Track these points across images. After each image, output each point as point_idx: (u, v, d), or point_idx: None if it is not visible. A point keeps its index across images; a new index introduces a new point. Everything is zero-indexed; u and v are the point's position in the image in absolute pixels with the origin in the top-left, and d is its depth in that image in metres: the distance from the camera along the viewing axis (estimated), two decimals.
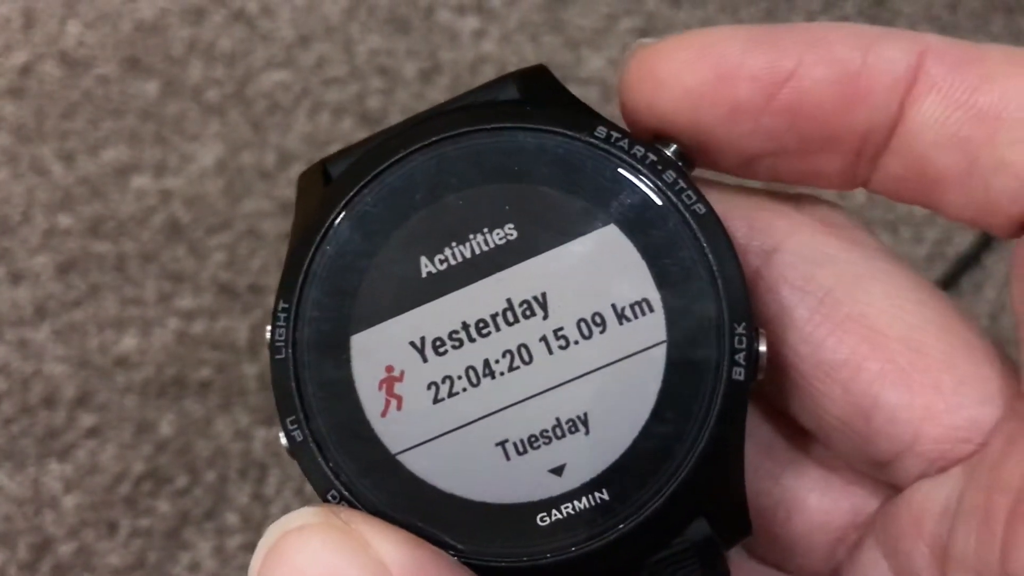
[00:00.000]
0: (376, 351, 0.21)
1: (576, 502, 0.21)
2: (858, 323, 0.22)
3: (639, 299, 0.21)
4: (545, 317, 0.21)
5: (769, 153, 0.22)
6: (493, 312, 0.21)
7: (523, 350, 0.21)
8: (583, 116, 0.22)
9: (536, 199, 0.21)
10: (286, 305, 0.21)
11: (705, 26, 0.54)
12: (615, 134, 0.21)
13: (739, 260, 0.21)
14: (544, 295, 0.21)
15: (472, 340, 0.21)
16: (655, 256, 0.21)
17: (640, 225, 0.21)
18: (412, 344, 0.21)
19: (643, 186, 0.21)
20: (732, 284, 0.21)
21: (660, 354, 0.21)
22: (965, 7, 0.55)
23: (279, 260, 0.50)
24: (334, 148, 0.51)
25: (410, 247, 0.21)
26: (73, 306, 0.50)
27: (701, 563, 0.21)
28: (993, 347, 0.22)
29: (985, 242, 0.51)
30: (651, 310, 0.21)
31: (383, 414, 0.21)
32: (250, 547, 0.47)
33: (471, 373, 0.21)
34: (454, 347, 0.21)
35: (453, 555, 0.20)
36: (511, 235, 0.21)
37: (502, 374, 0.21)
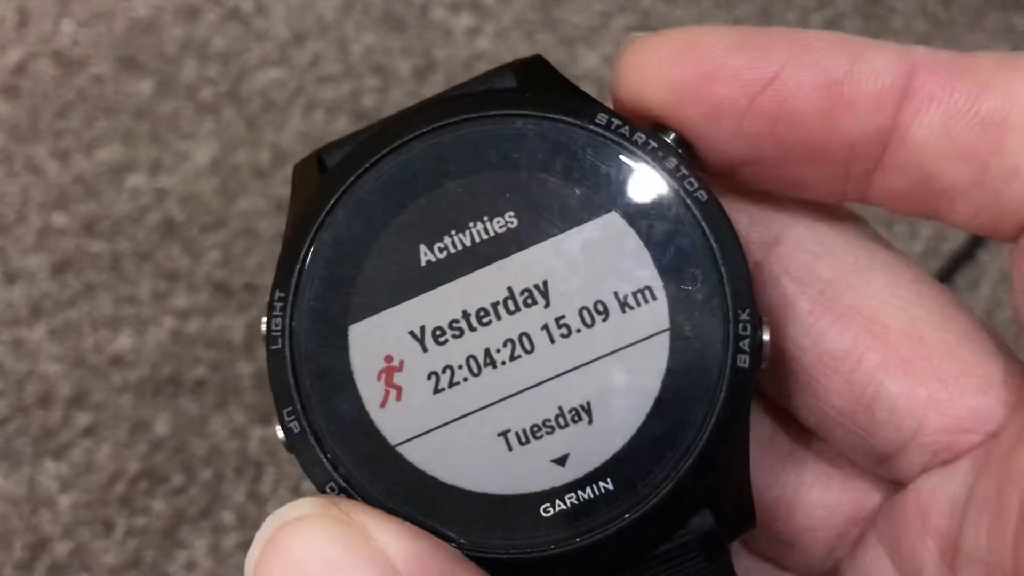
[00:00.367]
0: (375, 341, 0.21)
1: (580, 492, 0.20)
2: (860, 314, 0.22)
3: (641, 287, 0.21)
4: (547, 305, 0.21)
5: (751, 160, 0.22)
6: (494, 301, 0.21)
7: (525, 339, 0.21)
8: (583, 103, 0.22)
9: (536, 186, 0.21)
10: (282, 295, 0.21)
11: (700, 23, 0.54)
12: (616, 121, 0.21)
13: (742, 247, 0.21)
14: (545, 283, 0.21)
15: (473, 329, 0.21)
16: (657, 243, 0.21)
17: (642, 212, 0.21)
18: (412, 334, 0.21)
19: (644, 173, 0.21)
20: (735, 271, 0.21)
21: (663, 342, 0.21)
22: (960, 3, 0.55)
23: (274, 258, 0.50)
24: None
25: (409, 235, 0.21)
26: (68, 305, 0.49)
27: (705, 555, 0.21)
28: (992, 339, 0.22)
29: (980, 239, 0.51)
30: (654, 298, 0.21)
31: (382, 405, 0.20)
32: (246, 545, 0.47)
33: (472, 362, 0.21)
34: (455, 336, 0.21)
35: (455, 548, 0.20)
36: (511, 223, 0.21)
37: (503, 363, 0.21)
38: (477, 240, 0.21)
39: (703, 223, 0.21)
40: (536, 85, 0.22)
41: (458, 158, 0.21)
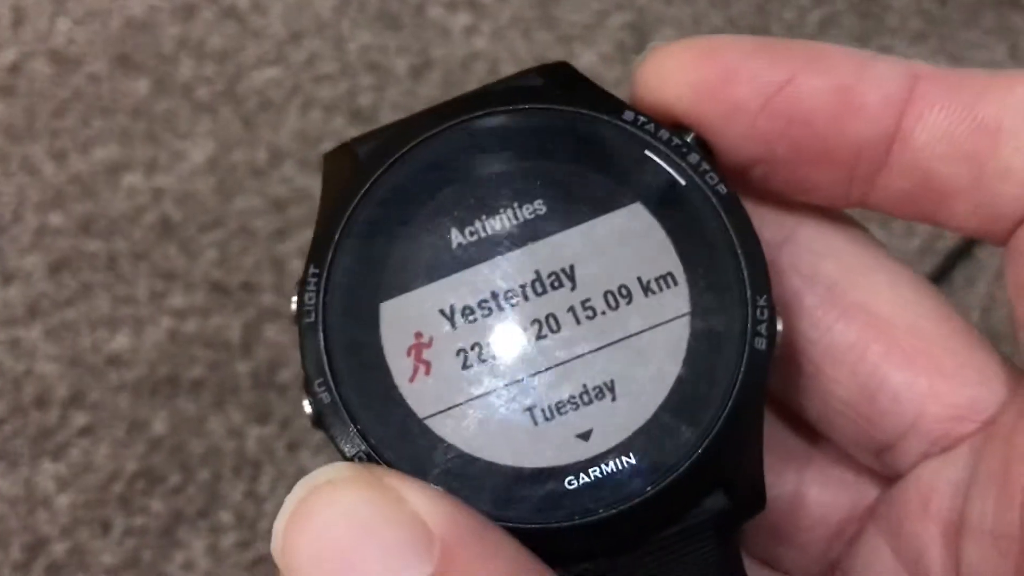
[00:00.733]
0: (405, 318, 0.21)
1: (604, 465, 0.21)
2: (864, 310, 0.23)
3: (664, 273, 0.22)
4: (573, 288, 0.21)
5: (764, 159, 0.23)
6: (522, 283, 0.21)
7: (551, 319, 0.21)
8: (610, 101, 0.23)
9: (565, 176, 0.22)
10: (316, 270, 0.21)
11: (696, 20, 0.54)
12: (642, 118, 0.22)
13: (759, 237, 0.22)
14: (572, 267, 0.22)
15: (501, 309, 0.21)
16: (679, 232, 0.22)
17: (665, 203, 0.22)
18: (441, 312, 0.21)
19: (668, 166, 0.22)
20: (753, 259, 0.22)
21: (684, 325, 0.21)
22: (955, 1, 0.55)
23: (271, 258, 0.50)
24: (326, 145, 0.51)
25: (441, 219, 0.22)
26: (65, 305, 0.49)
27: (717, 536, 0.21)
28: (985, 338, 0.24)
29: None
30: (675, 283, 0.22)
31: (411, 379, 0.21)
32: (244, 545, 0.47)
33: (500, 341, 0.21)
34: (483, 315, 0.21)
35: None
36: (540, 210, 0.22)
37: (530, 342, 0.21)
38: (507, 225, 0.22)
39: (723, 215, 0.22)
40: (563, 85, 0.23)
41: (489, 147, 0.22)
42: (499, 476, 0.21)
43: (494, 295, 0.21)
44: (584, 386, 0.21)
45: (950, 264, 0.51)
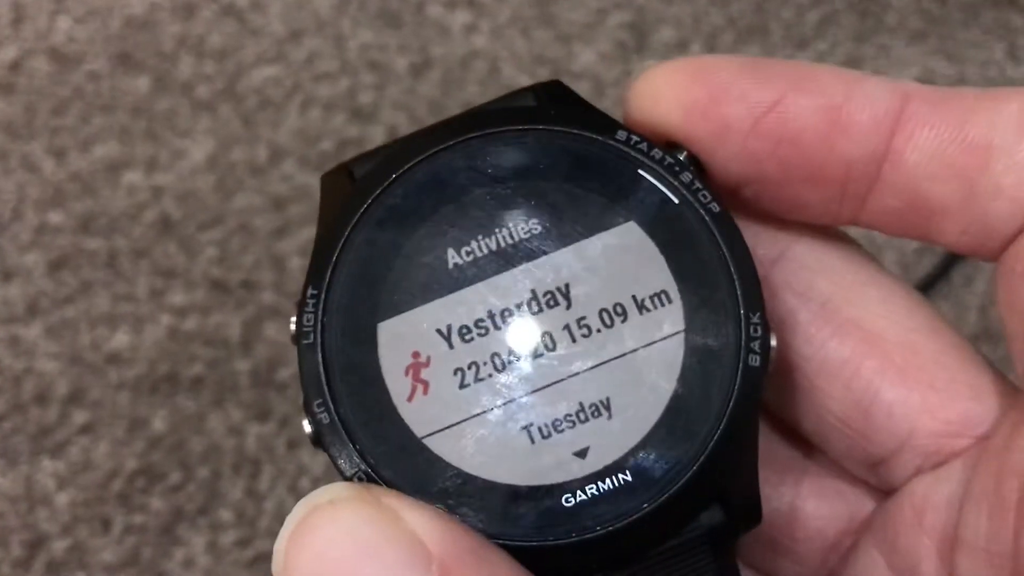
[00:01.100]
0: (403, 338, 0.21)
1: (600, 483, 0.21)
2: (858, 326, 0.23)
3: (658, 291, 0.22)
4: (568, 307, 0.22)
5: (755, 179, 0.23)
6: (518, 302, 0.22)
7: (547, 338, 0.22)
8: (603, 120, 0.23)
9: (560, 196, 0.22)
10: (315, 291, 0.22)
11: (696, 19, 0.54)
12: (635, 137, 0.22)
13: (752, 255, 0.22)
14: (567, 286, 0.22)
15: (498, 328, 0.22)
16: (673, 251, 0.22)
17: (659, 222, 0.22)
18: (438, 331, 0.22)
19: (662, 185, 0.22)
20: (746, 276, 0.22)
21: (679, 342, 0.22)
22: (955, 0, 0.55)
23: (271, 256, 0.50)
24: (326, 143, 0.52)
25: (437, 239, 0.22)
26: (65, 303, 0.49)
27: (713, 550, 0.22)
28: (978, 352, 0.24)
29: None
30: (670, 301, 0.22)
31: (409, 399, 0.21)
32: (244, 543, 0.47)
33: (496, 360, 0.21)
34: (480, 335, 0.21)
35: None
36: (536, 229, 0.22)
37: (527, 361, 0.21)
38: (503, 244, 0.22)
39: (716, 232, 0.22)
40: (556, 105, 0.23)
41: (485, 167, 0.22)
42: (497, 494, 0.21)
43: (491, 314, 0.22)
44: (580, 404, 0.21)
45: (948, 264, 0.51)
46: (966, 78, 0.54)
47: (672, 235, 0.22)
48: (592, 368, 0.21)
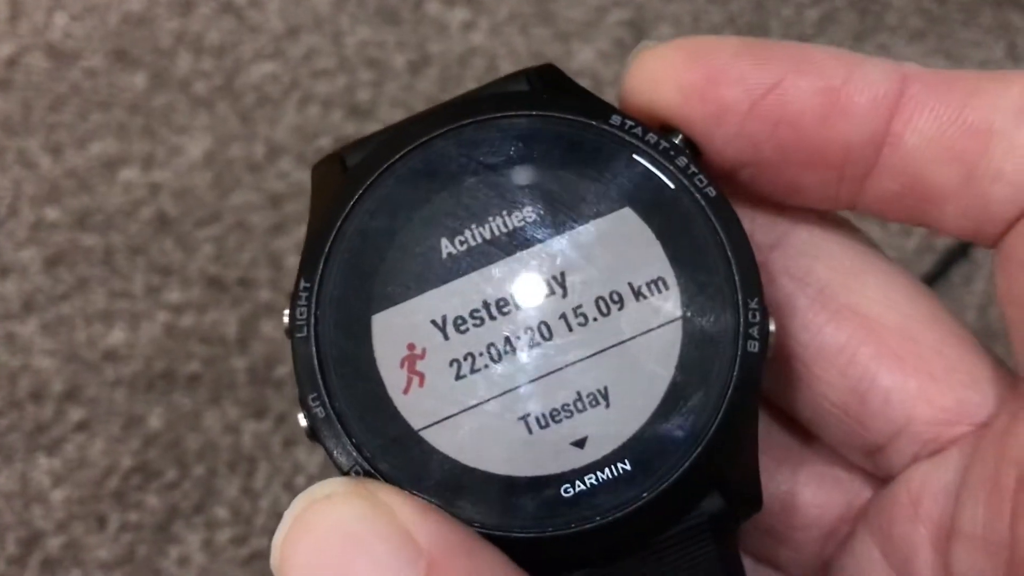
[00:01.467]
0: (397, 330, 0.21)
1: (599, 473, 0.21)
2: (855, 312, 0.23)
3: (655, 277, 0.22)
4: (564, 295, 0.21)
5: (752, 162, 0.23)
6: (513, 291, 0.21)
7: (543, 327, 0.21)
8: (597, 105, 0.23)
9: (554, 182, 0.22)
10: (307, 284, 0.21)
11: (695, 17, 0.54)
12: (629, 122, 0.22)
13: (749, 240, 0.22)
14: (563, 274, 0.22)
15: (493, 318, 0.21)
16: (669, 236, 0.22)
17: (654, 207, 0.22)
18: (433, 323, 0.21)
19: (657, 170, 0.22)
20: (744, 262, 0.22)
21: (677, 329, 0.21)
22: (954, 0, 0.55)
23: (268, 253, 0.50)
24: (323, 140, 0.51)
25: (431, 229, 0.22)
26: (61, 299, 0.49)
27: (714, 537, 0.21)
28: (977, 340, 0.23)
29: None
30: (667, 288, 0.22)
31: (405, 391, 0.21)
32: (239, 540, 0.47)
33: (493, 350, 0.21)
34: (475, 325, 0.21)
35: (478, 528, 0.20)
36: (530, 217, 0.22)
37: (523, 351, 0.21)
38: (497, 233, 0.22)
39: (713, 217, 0.22)
40: (550, 89, 0.23)
41: (478, 155, 0.22)
42: (495, 486, 0.21)
43: (485, 304, 0.21)
44: (578, 393, 0.21)
45: (947, 263, 0.51)
46: None
47: (668, 220, 0.22)
48: (589, 357, 0.21)
